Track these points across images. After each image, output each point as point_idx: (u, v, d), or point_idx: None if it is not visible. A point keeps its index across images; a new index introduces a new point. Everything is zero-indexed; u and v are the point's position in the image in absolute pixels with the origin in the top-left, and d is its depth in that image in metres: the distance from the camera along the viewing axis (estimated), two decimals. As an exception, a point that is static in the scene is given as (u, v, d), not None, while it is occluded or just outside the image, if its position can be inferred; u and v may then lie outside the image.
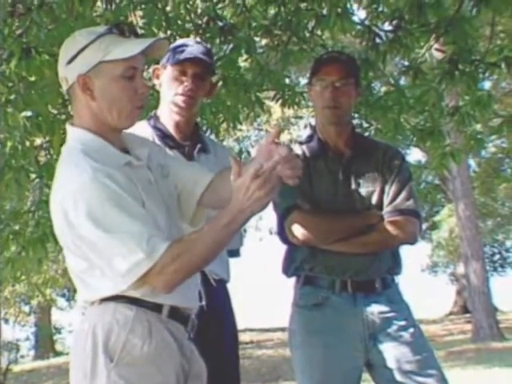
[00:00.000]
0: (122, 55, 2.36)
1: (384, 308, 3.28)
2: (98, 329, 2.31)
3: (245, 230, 22.64)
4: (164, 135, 3.29)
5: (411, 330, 3.29)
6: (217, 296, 3.21)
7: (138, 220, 2.25)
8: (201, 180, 2.60)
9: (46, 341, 25.99)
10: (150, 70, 3.32)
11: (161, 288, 2.29)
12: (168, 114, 3.31)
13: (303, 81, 12.90)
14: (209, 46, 4.09)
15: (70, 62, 2.38)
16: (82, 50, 2.37)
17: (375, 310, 3.27)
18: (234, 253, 3.49)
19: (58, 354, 24.85)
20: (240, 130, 6.03)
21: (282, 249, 3.47)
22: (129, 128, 2.49)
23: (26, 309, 25.47)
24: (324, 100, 3.32)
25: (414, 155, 24.82)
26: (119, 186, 2.28)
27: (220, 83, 5.10)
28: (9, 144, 5.26)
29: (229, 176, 2.44)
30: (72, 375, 2.40)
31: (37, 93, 4.78)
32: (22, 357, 24.54)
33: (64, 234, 2.34)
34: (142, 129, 3.01)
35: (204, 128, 5.36)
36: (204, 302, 2.78)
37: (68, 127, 2.50)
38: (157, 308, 2.37)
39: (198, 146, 3.34)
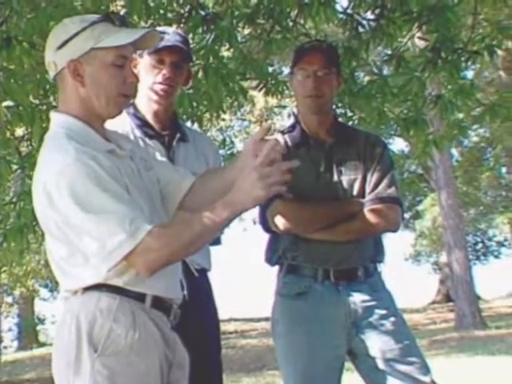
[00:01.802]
0: (114, 43, 2.39)
1: (366, 296, 3.29)
2: (82, 318, 2.31)
3: (228, 220, 22.60)
4: (143, 124, 3.28)
5: (393, 318, 3.30)
6: (198, 285, 3.21)
7: (122, 201, 2.25)
8: (183, 182, 2.61)
9: (29, 332, 25.93)
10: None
11: (142, 270, 2.28)
12: (146, 103, 3.30)
13: (286, 70, 12.88)
14: (186, 34, 4.07)
15: (60, 47, 2.40)
16: (74, 36, 2.39)
17: (358, 298, 3.28)
18: (215, 241, 3.47)
19: (41, 344, 24.78)
20: (223, 119, 6.04)
21: (265, 239, 3.47)
22: (116, 116, 2.51)
23: (9, 299, 25.41)
24: (306, 89, 3.32)
25: (397, 145, 24.89)
26: (103, 169, 2.28)
27: (201, 73, 5.08)
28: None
29: (209, 180, 2.56)
30: (55, 365, 2.40)
31: (17, 82, 4.75)
32: (5, 348, 24.49)
33: (47, 217, 2.33)
34: (120, 118, 2.99)
35: (185, 118, 5.34)
36: (185, 292, 2.78)
37: (52, 114, 2.50)
38: (140, 297, 2.36)
39: (177, 135, 3.33)
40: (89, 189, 2.24)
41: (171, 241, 2.25)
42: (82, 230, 2.26)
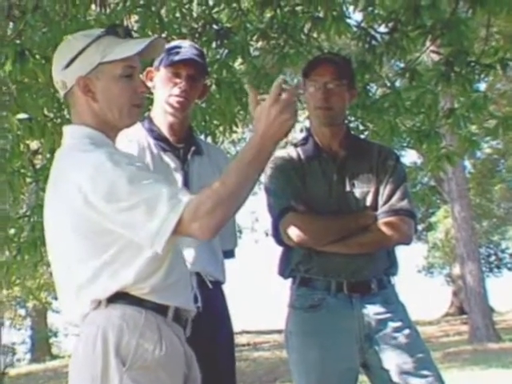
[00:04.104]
0: (121, 55, 2.40)
1: (380, 309, 3.28)
2: (108, 332, 2.28)
3: (240, 232, 22.68)
4: (159, 138, 3.29)
5: (407, 331, 3.29)
6: (213, 298, 3.21)
7: (159, 183, 2.25)
8: None
9: (42, 344, 25.92)
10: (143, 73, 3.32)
11: (199, 235, 2.23)
12: (162, 116, 3.32)
13: (298, 83, 12.87)
14: (202, 48, 4.10)
15: (67, 65, 2.41)
16: (80, 52, 2.40)
17: (371, 311, 3.27)
18: (229, 254, 3.48)
19: (54, 357, 24.78)
20: (235, 132, 6.08)
21: (277, 250, 3.47)
22: (131, 126, 2.52)
23: (22, 312, 25.45)
24: (316, 101, 3.33)
25: (410, 157, 24.81)
26: (137, 163, 2.30)
27: (214, 87, 5.11)
28: (2, 147, 5.27)
29: None
30: (77, 379, 2.35)
31: (30, 96, 4.79)
32: (19, 360, 24.52)
33: (86, 225, 2.30)
34: (136, 131, 3.01)
35: (198, 132, 5.35)
36: (200, 304, 2.78)
37: (67, 128, 2.51)
38: (163, 310, 2.35)
39: (192, 148, 3.34)
40: (127, 182, 2.22)
41: (217, 197, 2.20)
42: (127, 222, 2.24)
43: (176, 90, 3.25)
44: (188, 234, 2.24)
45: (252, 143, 2.25)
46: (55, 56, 2.48)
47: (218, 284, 3.32)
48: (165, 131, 3.31)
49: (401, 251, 3.48)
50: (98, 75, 2.41)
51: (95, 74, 2.41)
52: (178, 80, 3.26)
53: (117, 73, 2.41)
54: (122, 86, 2.42)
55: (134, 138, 3.11)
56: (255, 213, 23.76)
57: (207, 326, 2.86)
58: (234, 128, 5.82)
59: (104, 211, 2.25)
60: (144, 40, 2.48)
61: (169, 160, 3.26)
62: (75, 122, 2.47)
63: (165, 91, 3.27)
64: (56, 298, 25.21)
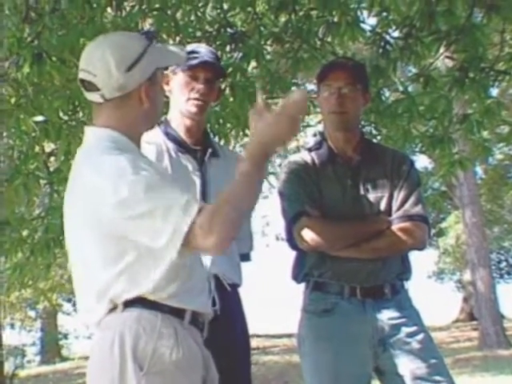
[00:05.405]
0: (173, 61, 2.47)
1: (393, 314, 3.28)
2: (126, 336, 2.26)
3: (251, 236, 22.61)
4: (176, 141, 3.32)
5: (421, 336, 3.29)
6: (230, 300, 3.23)
7: (174, 192, 2.21)
8: None
9: (52, 346, 25.92)
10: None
11: (211, 247, 2.18)
12: (179, 119, 3.35)
13: (310, 86, 12.88)
14: (217, 51, 4.14)
15: (130, 68, 2.34)
16: (142, 55, 2.36)
17: (384, 316, 3.27)
18: (245, 257, 3.50)
19: (63, 359, 24.80)
20: (248, 135, 6.08)
21: (288, 255, 3.48)
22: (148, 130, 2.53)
23: (32, 314, 25.47)
24: (330, 105, 3.34)
25: (421, 162, 24.77)
26: (157, 170, 2.29)
27: (228, 90, 5.13)
28: (18, 149, 5.30)
29: None
30: (95, 382, 2.34)
31: (46, 98, 4.81)
32: (29, 362, 24.49)
33: (102, 229, 2.27)
34: (154, 134, 3.04)
35: (211, 135, 5.37)
36: (218, 306, 2.79)
37: (89, 129, 2.47)
38: (179, 314, 2.34)
39: (209, 150, 3.37)
40: (142, 191, 2.19)
41: (227, 207, 2.17)
42: (141, 231, 2.22)
43: (195, 94, 3.29)
44: (198, 246, 2.19)
45: (253, 148, 2.29)
46: (109, 55, 2.34)
47: (234, 287, 3.35)
48: (182, 134, 3.34)
49: (411, 256, 3.49)
50: (153, 80, 2.39)
51: (152, 80, 2.39)
52: (196, 83, 3.29)
53: (161, 79, 2.44)
54: (162, 93, 2.46)
55: (152, 141, 3.14)
56: (266, 217, 23.74)
57: (224, 329, 2.87)
58: (247, 131, 5.83)
59: (121, 216, 2.23)
60: (177, 46, 2.51)
61: (187, 162, 3.29)
62: (99, 125, 2.42)
63: (183, 95, 3.30)
64: (68, 300, 25.35)
